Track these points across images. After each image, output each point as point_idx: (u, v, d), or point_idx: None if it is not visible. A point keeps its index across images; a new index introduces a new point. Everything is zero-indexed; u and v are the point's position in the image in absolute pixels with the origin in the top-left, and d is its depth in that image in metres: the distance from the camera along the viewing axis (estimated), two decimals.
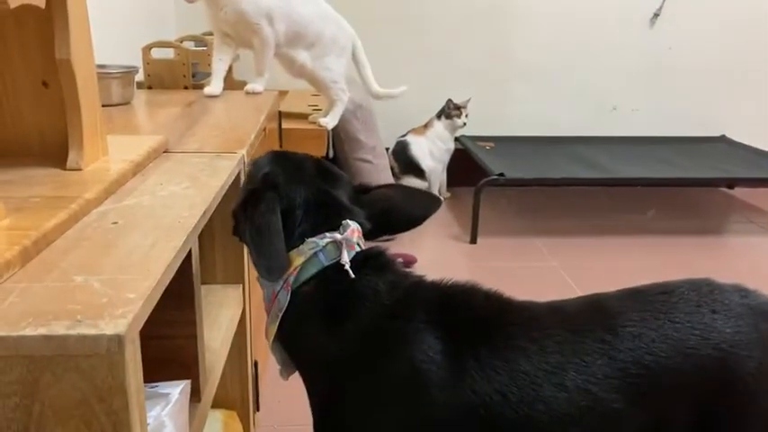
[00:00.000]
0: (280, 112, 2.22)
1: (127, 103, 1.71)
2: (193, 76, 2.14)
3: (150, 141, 1.13)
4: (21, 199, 0.81)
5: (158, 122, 1.54)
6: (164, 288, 0.67)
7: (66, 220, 0.77)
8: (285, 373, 0.96)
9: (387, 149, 3.33)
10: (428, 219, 1.01)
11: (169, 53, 2.09)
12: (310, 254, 0.88)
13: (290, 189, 0.91)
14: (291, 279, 0.88)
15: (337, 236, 0.88)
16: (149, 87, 2.06)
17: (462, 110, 3.41)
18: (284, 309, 0.88)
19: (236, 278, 1.30)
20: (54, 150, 0.97)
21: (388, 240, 0.94)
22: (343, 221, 0.90)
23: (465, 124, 3.43)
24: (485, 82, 3.68)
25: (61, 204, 0.79)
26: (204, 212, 0.87)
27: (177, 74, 2.05)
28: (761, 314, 0.88)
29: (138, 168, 1.03)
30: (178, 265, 0.74)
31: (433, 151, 3.43)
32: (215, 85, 1.92)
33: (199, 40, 2.50)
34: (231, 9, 1.92)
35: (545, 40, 3.66)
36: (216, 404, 1.33)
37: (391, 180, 3.14)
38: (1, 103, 0.97)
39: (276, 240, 0.85)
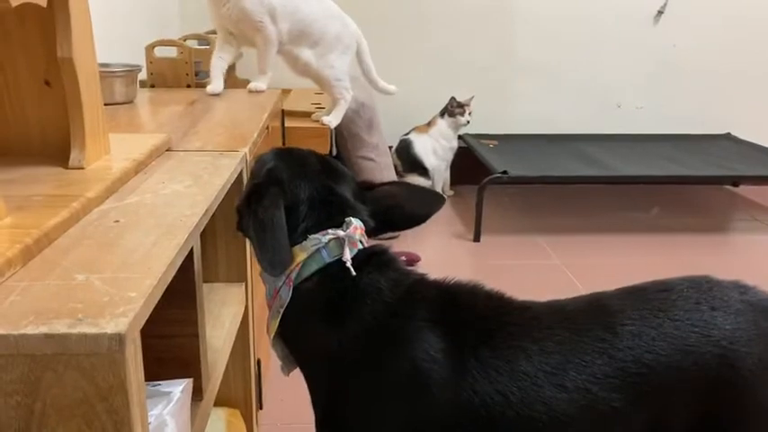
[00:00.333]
0: (283, 111, 2.22)
1: (130, 101, 1.71)
2: (196, 75, 2.14)
3: (153, 140, 1.13)
4: (22, 197, 0.81)
5: (161, 121, 1.54)
6: (165, 286, 0.67)
7: (68, 218, 0.76)
8: (286, 369, 0.96)
9: (390, 148, 3.33)
10: (431, 217, 1.01)
11: (172, 52, 2.09)
12: (313, 250, 0.88)
13: (294, 185, 0.92)
14: (294, 275, 0.88)
15: (340, 233, 0.88)
16: (152, 86, 2.06)
17: (466, 108, 3.40)
18: (286, 304, 0.88)
19: (239, 277, 1.30)
20: (56, 149, 0.97)
21: (391, 238, 0.94)
22: (346, 219, 0.90)
23: (468, 122, 3.42)
24: (488, 80, 3.68)
25: (63, 203, 0.79)
26: (206, 211, 0.87)
27: (180, 72, 2.05)
28: (760, 311, 0.88)
29: (141, 167, 1.03)
30: (180, 263, 0.74)
31: (436, 149, 3.42)
32: (216, 84, 1.92)
33: (202, 39, 2.49)
34: (234, 6, 1.91)
35: (549, 37, 3.66)
36: (219, 402, 1.33)
37: (394, 178, 3.13)
38: (3, 102, 0.97)
39: (280, 235, 0.85)
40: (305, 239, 0.89)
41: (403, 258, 0.96)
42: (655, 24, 3.69)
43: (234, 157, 1.15)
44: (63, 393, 0.56)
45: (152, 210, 0.85)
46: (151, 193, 0.92)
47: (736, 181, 3.77)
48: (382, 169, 3.00)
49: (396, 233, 2.86)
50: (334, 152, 2.89)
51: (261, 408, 1.55)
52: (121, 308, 0.58)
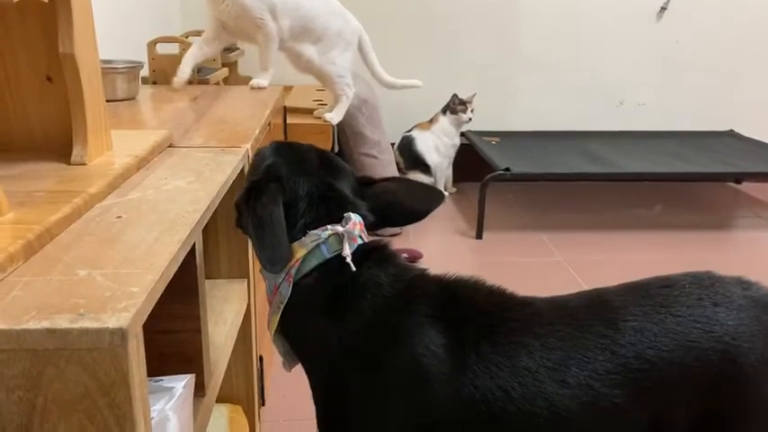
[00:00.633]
0: (285, 107, 2.22)
1: (132, 98, 1.71)
2: (198, 72, 2.14)
3: (155, 136, 1.13)
4: (25, 193, 0.81)
5: (163, 117, 1.54)
6: (167, 282, 0.67)
7: (70, 214, 0.76)
8: (288, 364, 0.96)
9: (392, 145, 3.33)
10: (431, 213, 1.00)
11: (174, 48, 2.09)
12: (312, 246, 0.88)
13: (293, 181, 0.91)
14: (293, 271, 0.88)
15: (339, 228, 0.88)
16: (154, 82, 2.06)
17: (468, 105, 3.40)
18: (286, 300, 0.88)
19: (241, 273, 1.30)
20: (58, 145, 0.97)
21: (393, 235, 0.94)
22: (346, 214, 0.90)
23: (471, 119, 3.41)
24: (491, 77, 3.67)
25: (65, 199, 0.79)
26: (208, 207, 0.87)
27: None
28: (763, 306, 0.87)
29: (143, 163, 1.03)
30: (182, 258, 0.73)
31: (438, 146, 3.42)
32: (183, 71, 1.89)
33: None
34: (234, 2, 1.91)
35: (551, 34, 3.65)
36: (221, 399, 1.33)
37: (396, 175, 3.13)
38: (5, 98, 0.97)
39: (279, 232, 0.85)
40: (304, 235, 0.89)
41: (405, 255, 0.95)
42: (658, 21, 3.68)
43: (236, 153, 1.15)
44: (65, 388, 0.56)
45: (154, 206, 0.85)
46: (153, 189, 0.92)
47: (738, 178, 3.77)
48: (384, 166, 3.00)
49: (397, 230, 2.86)
50: (336, 149, 2.89)
51: (263, 404, 1.55)
52: (123, 303, 0.58)
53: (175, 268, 0.70)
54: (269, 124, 1.59)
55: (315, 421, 0.93)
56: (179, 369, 0.87)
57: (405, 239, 2.85)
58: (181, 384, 0.81)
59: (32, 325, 0.54)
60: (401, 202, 1.00)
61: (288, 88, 2.83)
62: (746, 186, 3.79)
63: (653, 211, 3.42)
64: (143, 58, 1.97)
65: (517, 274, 2.56)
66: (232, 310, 1.20)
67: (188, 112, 1.59)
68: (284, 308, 0.89)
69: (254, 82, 2.00)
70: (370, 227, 0.95)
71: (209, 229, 1.24)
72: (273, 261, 0.86)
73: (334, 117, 2.34)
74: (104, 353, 0.55)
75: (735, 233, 3.19)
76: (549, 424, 0.81)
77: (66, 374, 0.55)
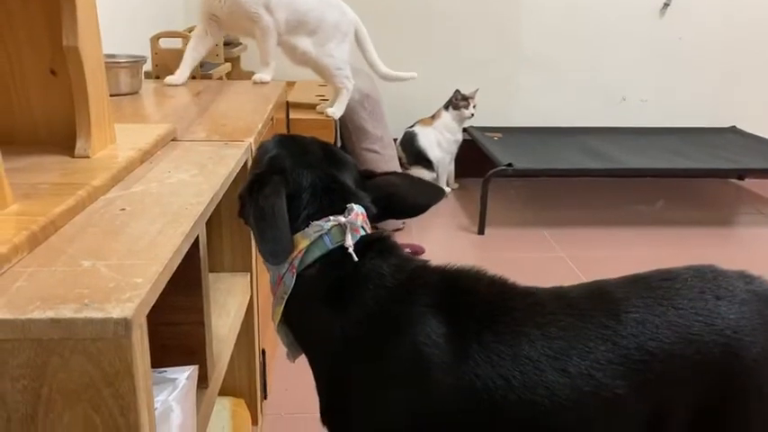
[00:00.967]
0: (288, 103, 2.22)
1: (135, 92, 1.72)
2: (201, 66, 2.14)
3: (158, 130, 1.13)
4: (29, 185, 0.81)
5: (166, 111, 1.55)
6: (171, 273, 0.67)
7: (74, 206, 0.77)
8: (292, 356, 0.97)
9: (394, 140, 3.33)
10: (431, 208, 1.01)
11: (177, 43, 2.09)
12: (315, 237, 0.88)
13: (297, 173, 0.92)
14: (297, 262, 0.88)
15: (341, 219, 0.89)
16: (157, 77, 2.06)
17: (470, 100, 3.39)
18: (290, 291, 0.89)
19: (244, 266, 1.30)
20: (62, 138, 0.97)
21: (396, 230, 0.94)
22: (348, 205, 0.90)
23: (473, 115, 3.41)
24: (493, 73, 3.67)
25: (69, 191, 0.79)
26: (212, 200, 0.87)
27: None
28: (765, 300, 0.87)
29: (146, 156, 1.03)
30: (185, 250, 0.74)
31: (440, 142, 3.42)
32: (179, 74, 1.89)
33: None
34: None
35: (553, 30, 3.64)
36: (223, 392, 1.34)
37: (399, 171, 3.13)
38: (9, 91, 0.97)
39: (281, 224, 0.86)
40: (307, 226, 0.89)
41: (407, 250, 0.96)
42: (660, 17, 3.67)
43: (239, 147, 1.16)
44: (69, 378, 0.56)
45: (157, 198, 0.85)
46: (157, 182, 0.92)
47: (741, 174, 3.76)
48: (386, 161, 3.00)
49: (400, 225, 2.87)
50: (339, 144, 2.89)
51: (265, 397, 1.56)
52: (128, 293, 0.58)
53: (179, 260, 0.71)
54: (272, 119, 1.59)
55: (317, 415, 0.93)
56: (182, 361, 0.87)
57: (407, 235, 2.86)
58: (184, 375, 0.81)
59: (37, 315, 0.54)
60: (403, 195, 1.01)
61: (291, 84, 2.83)
62: (749, 183, 3.79)
63: (655, 208, 3.42)
64: (146, 52, 1.97)
65: (519, 269, 2.54)
66: (235, 302, 1.21)
67: (191, 106, 1.59)
68: (288, 299, 0.89)
69: (256, 77, 2.00)
70: (373, 218, 0.96)
71: (213, 223, 1.24)
72: (274, 253, 0.87)
73: (336, 111, 2.34)
74: (109, 343, 0.55)
75: (737, 230, 3.19)
76: (550, 413, 0.81)
77: (70, 364, 0.56)
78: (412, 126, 3.48)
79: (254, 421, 1.40)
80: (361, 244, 0.89)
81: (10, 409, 0.56)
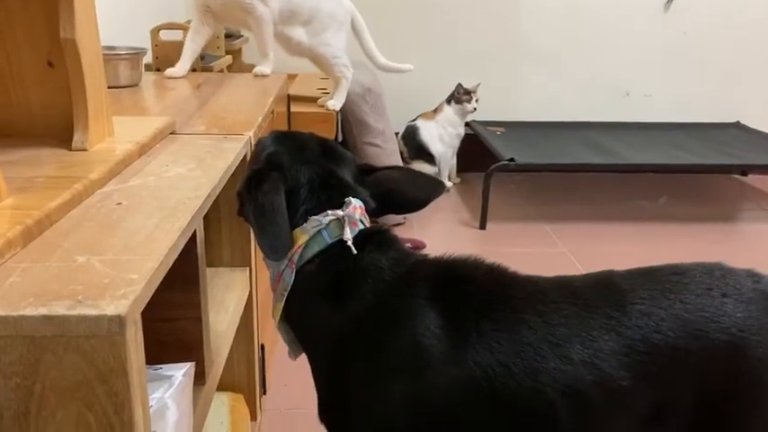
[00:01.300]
0: (288, 96, 2.20)
1: (135, 84, 1.71)
2: (202, 59, 2.13)
3: (157, 122, 1.12)
4: (24, 179, 0.80)
5: (166, 104, 1.54)
6: (167, 269, 0.66)
7: (70, 200, 0.76)
8: (293, 353, 0.96)
9: (396, 134, 3.31)
10: (431, 202, 1.00)
11: (178, 35, 2.08)
12: (314, 232, 0.88)
13: (295, 169, 0.91)
14: (296, 257, 0.88)
15: (339, 212, 0.88)
16: (157, 69, 2.05)
17: (472, 95, 3.38)
18: (289, 287, 0.88)
19: (243, 261, 1.29)
20: (59, 131, 0.96)
21: (397, 225, 0.94)
22: (346, 199, 0.90)
23: (475, 109, 3.40)
24: (495, 66, 3.65)
25: (65, 184, 0.78)
26: (210, 194, 0.86)
27: None
28: None
29: (144, 149, 1.02)
30: (182, 246, 0.73)
31: (442, 136, 3.41)
32: (180, 67, 1.88)
33: None
34: None
35: (557, 23, 3.62)
36: (222, 387, 1.33)
37: (400, 165, 3.12)
38: (6, 83, 0.96)
39: (280, 220, 0.85)
40: (306, 222, 0.89)
41: (408, 245, 0.95)
42: (665, 12, 3.65)
43: (238, 140, 1.15)
44: (62, 375, 0.55)
45: (155, 192, 0.84)
46: (154, 176, 0.91)
47: (744, 170, 3.75)
48: (388, 155, 2.99)
49: (401, 220, 2.86)
50: (340, 138, 2.88)
51: (264, 393, 1.55)
52: (122, 290, 0.57)
53: (175, 255, 0.70)
54: (272, 112, 1.58)
55: (316, 411, 0.92)
56: (179, 357, 0.86)
57: (408, 229, 2.85)
58: (180, 373, 0.80)
59: (30, 311, 0.53)
60: (402, 189, 1.00)
61: (292, 76, 2.81)
62: (752, 179, 3.77)
63: (658, 203, 3.40)
64: (147, 44, 1.95)
65: (520, 264, 2.53)
66: (234, 298, 1.20)
67: (191, 99, 1.58)
68: (288, 295, 0.89)
69: (256, 69, 1.98)
70: (372, 213, 0.95)
71: (212, 218, 1.23)
72: (274, 250, 0.86)
73: (336, 103, 2.32)
74: (102, 340, 0.54)
75: (740, 225, 3.18)
76: (552, 401, 0.80)
77: (63, 362, 0.55)
78: (414, 120, 3.47)
79: (253, 417, 1.40)
80: (360, 237, 0.89)
81: (2, 407, 0.56)
